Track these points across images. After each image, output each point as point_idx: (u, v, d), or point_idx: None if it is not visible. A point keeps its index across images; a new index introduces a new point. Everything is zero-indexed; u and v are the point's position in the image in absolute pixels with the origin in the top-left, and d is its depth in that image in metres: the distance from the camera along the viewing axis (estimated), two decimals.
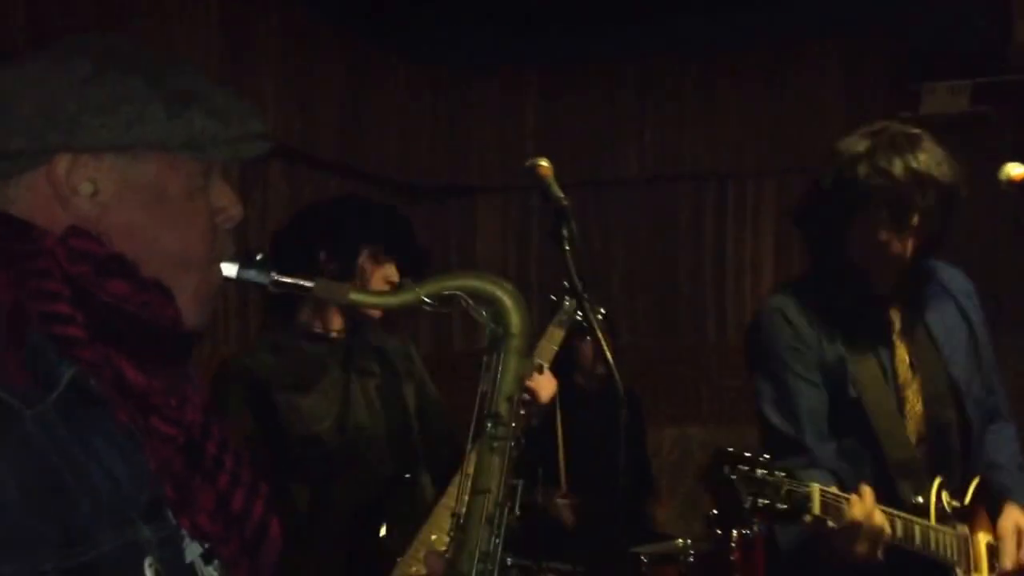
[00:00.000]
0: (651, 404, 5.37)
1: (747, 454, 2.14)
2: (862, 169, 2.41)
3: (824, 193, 2.50)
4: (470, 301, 1.47)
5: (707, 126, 6.02)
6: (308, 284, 1.38)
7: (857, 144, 2.46)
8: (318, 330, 2.91)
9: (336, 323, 2.92)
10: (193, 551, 1.22)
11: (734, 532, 4.44)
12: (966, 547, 2.43)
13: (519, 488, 1.50)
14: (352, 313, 2.90)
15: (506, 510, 1.48)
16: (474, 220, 6.41)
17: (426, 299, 1.44)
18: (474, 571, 1.45)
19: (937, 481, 2.43)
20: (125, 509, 1.14)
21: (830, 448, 2.42)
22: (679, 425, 5.86)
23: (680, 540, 4.67)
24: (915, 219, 2.41)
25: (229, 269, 1.33)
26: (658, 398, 5.59)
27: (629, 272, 6.15)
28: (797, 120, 5.82)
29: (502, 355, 1.50)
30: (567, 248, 2.47)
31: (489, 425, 1.49)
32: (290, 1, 5.21)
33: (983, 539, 2.46)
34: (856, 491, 2.22)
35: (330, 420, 2.80)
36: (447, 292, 1.46)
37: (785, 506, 2.08)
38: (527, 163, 2.63)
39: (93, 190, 1.21)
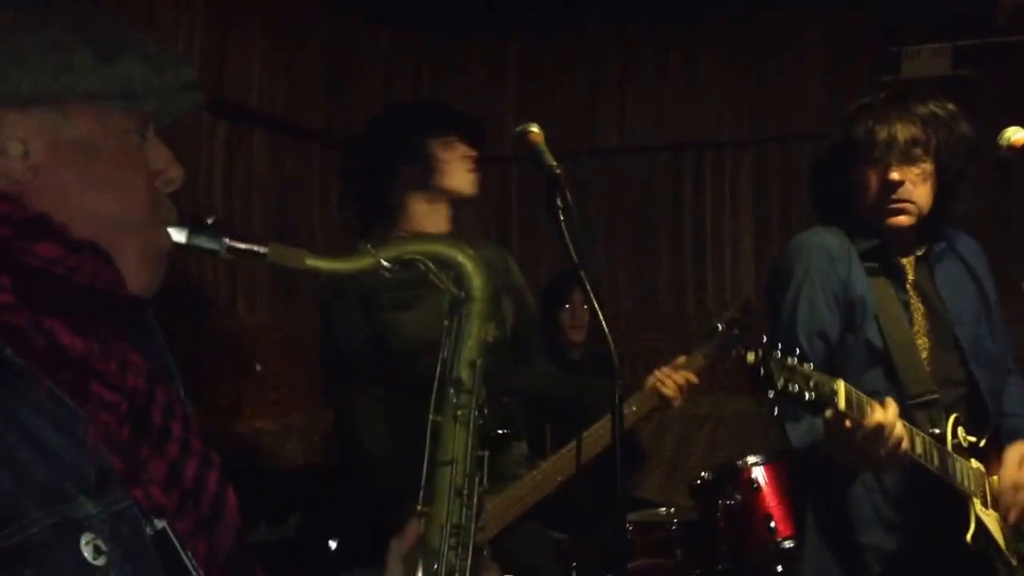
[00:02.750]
0: (629, 373, 5.35)
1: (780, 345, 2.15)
2: (863, 119, 2.53)
3: (832, 149, 2.62)
4: (431, 265, 1.45)
5: (689, 97, 5.96)
6: (262, 250, 1.34)
7: (859, 100, 2.60)
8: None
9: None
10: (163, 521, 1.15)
11: (719, 502, 4.47)
12: (982, 481, 2.46)
13: (486, 459, 1.46)
14: (455, 223, 3.04)
15: (476, 481, 1.44)
16: None
17: (385, 264, 1.42)
18: (445, 545, 1.42)
19: (953, 416, 2.48)
20: (62, 484, 1.05)
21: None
22: None
23: (663, 508, 4.71)
24: (916, 152, 2.49)
25: (179, 235, 1.28)
26: (636, 367, 5.58)
27: (609, 242, 6.13)
28: (778, 88, 5.77)
29: (463, 319, 1.49)
30: (563, 218, 2.45)
31: (451, 391, 1.46)
32: None
33: (997, 480, 2.50)
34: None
35: (428, 337, 2.82)
36: (407, 257, 1.44)
37: (812, 396, 2.09)
38: (517, 129, 2.61)
39: (23, 151, 1.14)
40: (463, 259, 1.48)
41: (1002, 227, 5.08)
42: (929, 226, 2.62)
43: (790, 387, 2.07)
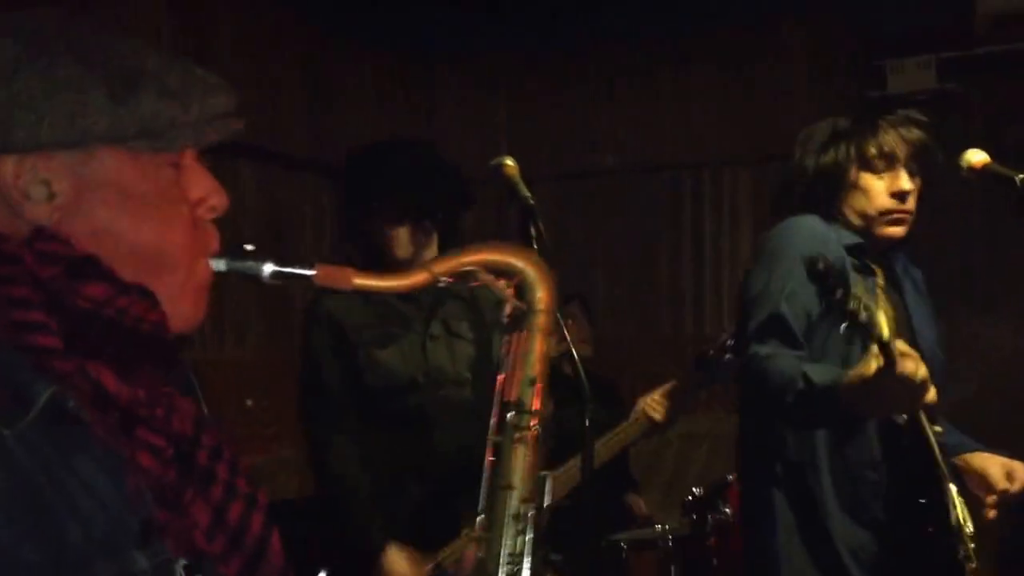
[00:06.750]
0: (629, 394, 5.35)
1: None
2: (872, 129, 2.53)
3: (803, 174, 2.64)
4: (489, 276, 1.36)
5: (680, 114, 6.00)
6: (308, 272, 1.24)
7: (826, 125, 2.67)
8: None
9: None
10: None
11: (709, 517, 4.48)
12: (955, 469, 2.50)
13: (546, 481, 1.41)
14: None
15: (532, 506, 1.37)
16: None
17: (442, 278, 1.32)
18: (502, 573, 1.36)
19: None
20: (117, 535, 1.02)
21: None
22: None
23: (658, 526, 4.66)
24: (916, 168, 2.51)
25: (219, 264, 1.19)
26: (636, 388, 5.58)
27: (609, 263, 6.14)
28: (766, 105, 5.79)
29: (524, 334, 1.39)
30: (535, 247, 2.50)
31: (511, 414, 1.38)
32: None
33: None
34: None
35: (408, 375, 2.89)
36: (464, 268, 1.34)
37: (865, 316, 2.00)
38: (492, 162, 2.68)
39: (48, 193, 1.06)
40: (524, 266, 1.37)
41: (991, 248, 5.15)
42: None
43: (850, 302, 1.97)
